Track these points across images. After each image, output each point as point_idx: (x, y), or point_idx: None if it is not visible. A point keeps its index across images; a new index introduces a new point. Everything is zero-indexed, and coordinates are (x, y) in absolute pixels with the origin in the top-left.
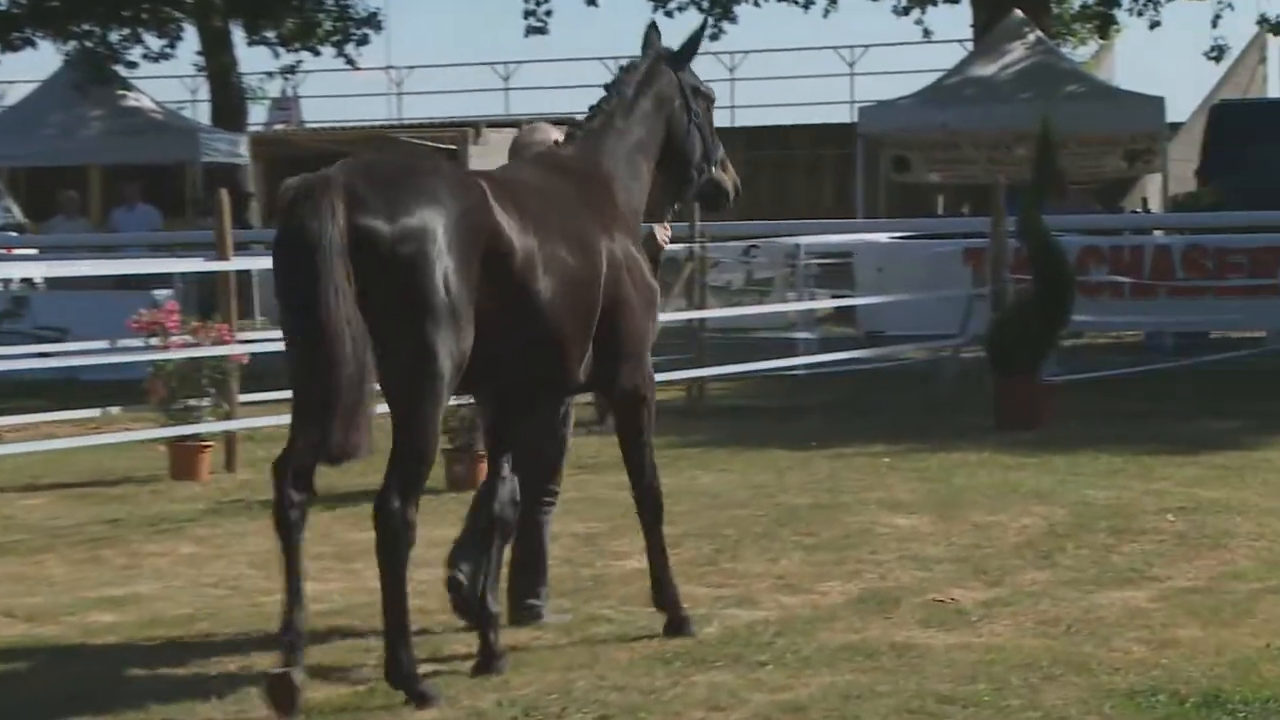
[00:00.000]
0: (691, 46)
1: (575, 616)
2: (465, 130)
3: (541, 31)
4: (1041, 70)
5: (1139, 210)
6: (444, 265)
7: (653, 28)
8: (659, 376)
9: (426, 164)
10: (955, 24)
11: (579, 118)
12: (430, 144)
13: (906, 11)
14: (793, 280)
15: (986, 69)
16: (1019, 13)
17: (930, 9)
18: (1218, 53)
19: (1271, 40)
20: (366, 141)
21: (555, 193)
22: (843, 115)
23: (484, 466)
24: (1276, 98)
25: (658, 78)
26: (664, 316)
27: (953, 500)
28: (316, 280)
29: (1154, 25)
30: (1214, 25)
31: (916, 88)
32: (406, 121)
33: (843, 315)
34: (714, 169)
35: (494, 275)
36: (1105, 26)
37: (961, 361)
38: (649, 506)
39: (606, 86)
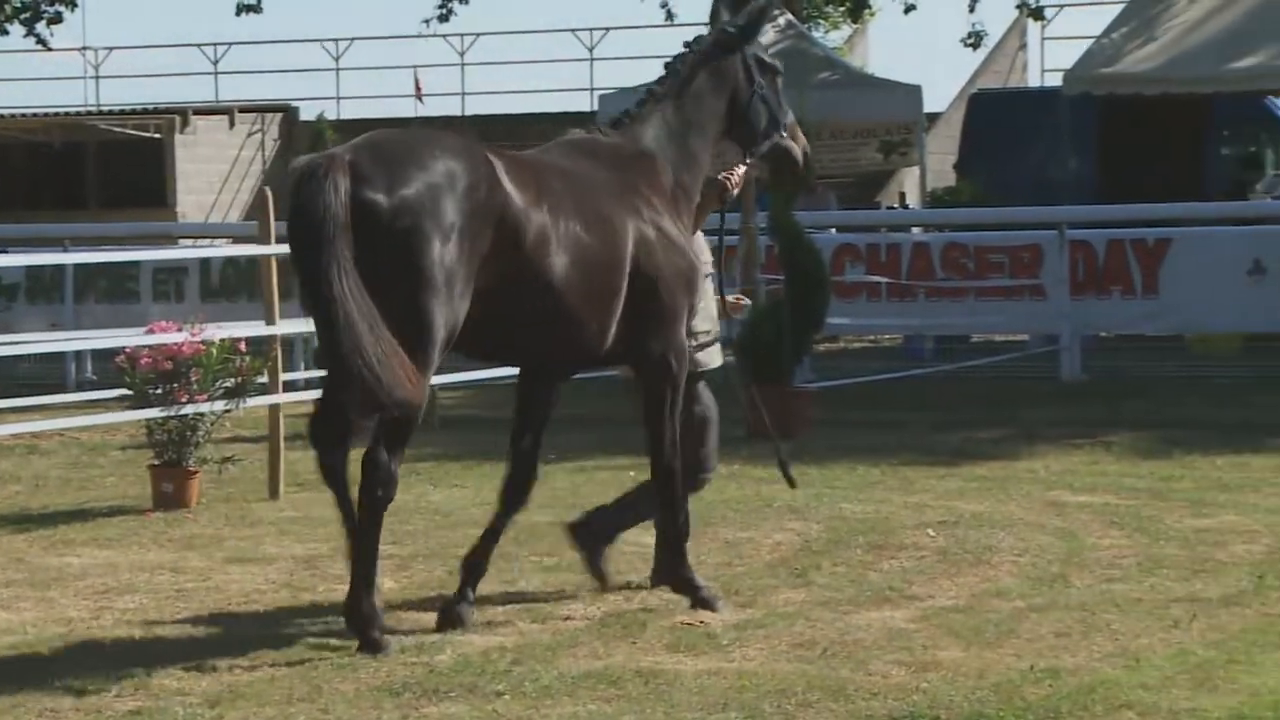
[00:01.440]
0: (754, 22)
1: (293, 646)
2: (171, 118)
3: (255, 10)
4: (792, 56)
5: (896, 205)
6: (440, 238)
7: (721, 3)
8: None
9: (438, 139)
10: (701, 6)
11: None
12: (132, 132)
13: None
14: None
15: None
16: None
17: None
18: (975, 39)
19: (1032, 25)
20: (61, 129)
21: (581, 174)
22: (582, 103)
23: (195, 484)
24: (1038, 86)
25: (715, 56)
26: None
27: (702, 515)
28: (319, 255)
29: (909, 9)
30: (971, 10)
31: (660, 73)
32: (105, 108)
33: None
34: (781, 136)
35: (504, 250)
36: (858, 10)
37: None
38: (664, 485)
39: (665, 66)
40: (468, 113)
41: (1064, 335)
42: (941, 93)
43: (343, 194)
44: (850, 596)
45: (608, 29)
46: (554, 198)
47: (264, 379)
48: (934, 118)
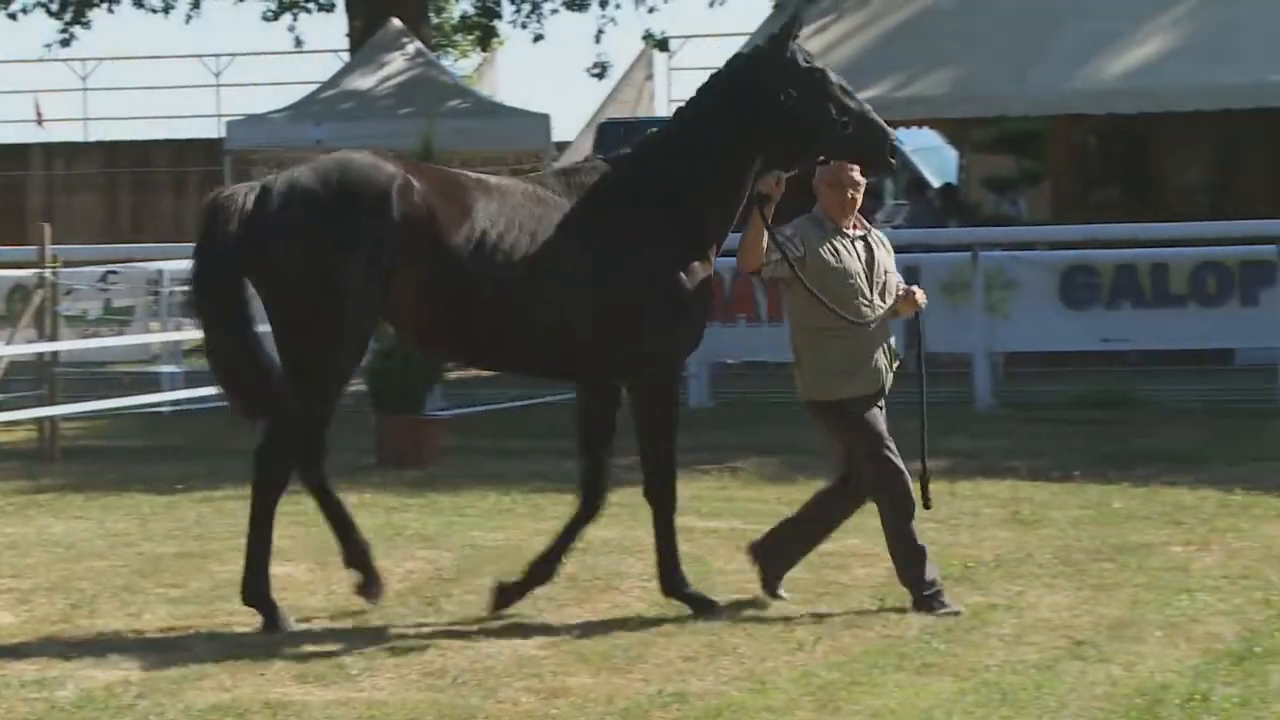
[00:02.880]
0: (781, 37)
1: None
2: None
3: None
4: (422, 84)
5: None
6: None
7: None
8: (4, 416)
9: (355, 169)
10: (330, 33)
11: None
12: None
13: (276, 17)
14: (155, 309)
15: (364, 82)
16: (397, 22)
17: (303, 16)
18: (601, 69)
19: (658, 57)
20: None
21: (534, 199)
22: (209, 129)
23: None
24: (662, 117)
25: (730, 82)
26: (9, 350)
27: (333, 546)
28: (208, 286)
29: (537, 38)
30: (597, 41)
31: (289, 100)
32: None
33: None
34: (848, 129)
35: (424, 273)
36: (487, 38)
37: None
38: (656, 497)
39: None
40: (91, 139)
41: (692, 363)
42: (571, 122)
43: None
44: (481, 624)
45: (234, 55)
46: (486, 220)
47: None
48: (563, 146)
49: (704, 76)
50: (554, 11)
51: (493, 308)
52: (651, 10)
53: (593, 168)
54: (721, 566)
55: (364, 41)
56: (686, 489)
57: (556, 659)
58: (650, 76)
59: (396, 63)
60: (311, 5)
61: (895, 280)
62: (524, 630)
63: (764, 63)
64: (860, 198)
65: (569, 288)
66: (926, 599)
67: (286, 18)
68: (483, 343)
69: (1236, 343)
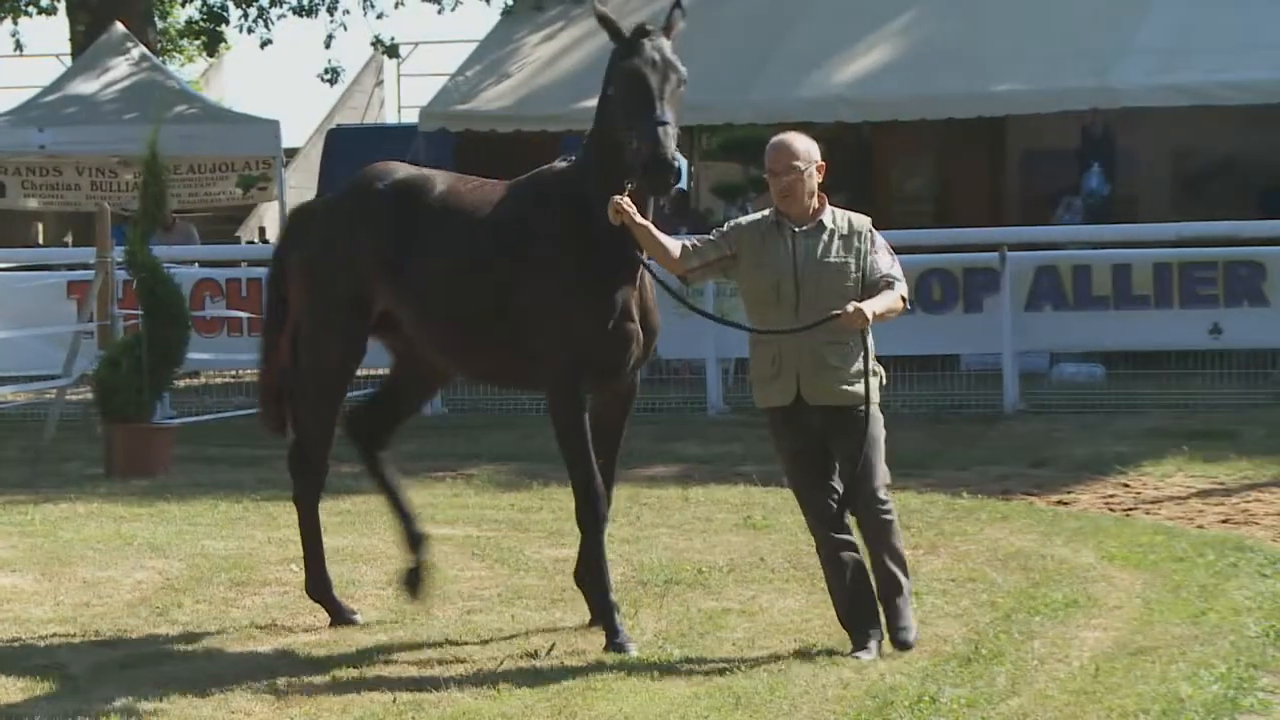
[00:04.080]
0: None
1: None
2: None
3: None
4: (147, 89)
5: (256, 240)
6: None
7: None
8: None
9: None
10: (53, 37)
11: None
12: None
13: None
14: None
15: (88, 86)
16: (120, 26)
17: (24, 19)
18: (333, 75)
19: (387, 63)
20: None
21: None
22: None
23: None
24: (392, 123)
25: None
26: None
27: (60, 556)
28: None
29: (265, 44)
30: (327, 46)
31: (10, 105)
32: None
33: None
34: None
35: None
36: (214, 43)
37: (67, 403)
38: (580, 512)
39: None
40: None
41: None
42: (301, 128)
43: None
44: (213, 633)
45: None
46: (439, 233)
47: None
48: (293, 152)
49: (434, 84)
50: (281, 17)
51: None
52: (380, 16)
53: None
54: (457, 574)
55: (87, 46)
56: (420, 496)
57: (291, 666)
58: (380, 82)
59: (121, 68)
60: (31, 9)
61: (850, 275)
62: (257, 639)
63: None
64: (803, 182)
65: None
66: None
67: (6, 21)
68: None
69: (961, 349)
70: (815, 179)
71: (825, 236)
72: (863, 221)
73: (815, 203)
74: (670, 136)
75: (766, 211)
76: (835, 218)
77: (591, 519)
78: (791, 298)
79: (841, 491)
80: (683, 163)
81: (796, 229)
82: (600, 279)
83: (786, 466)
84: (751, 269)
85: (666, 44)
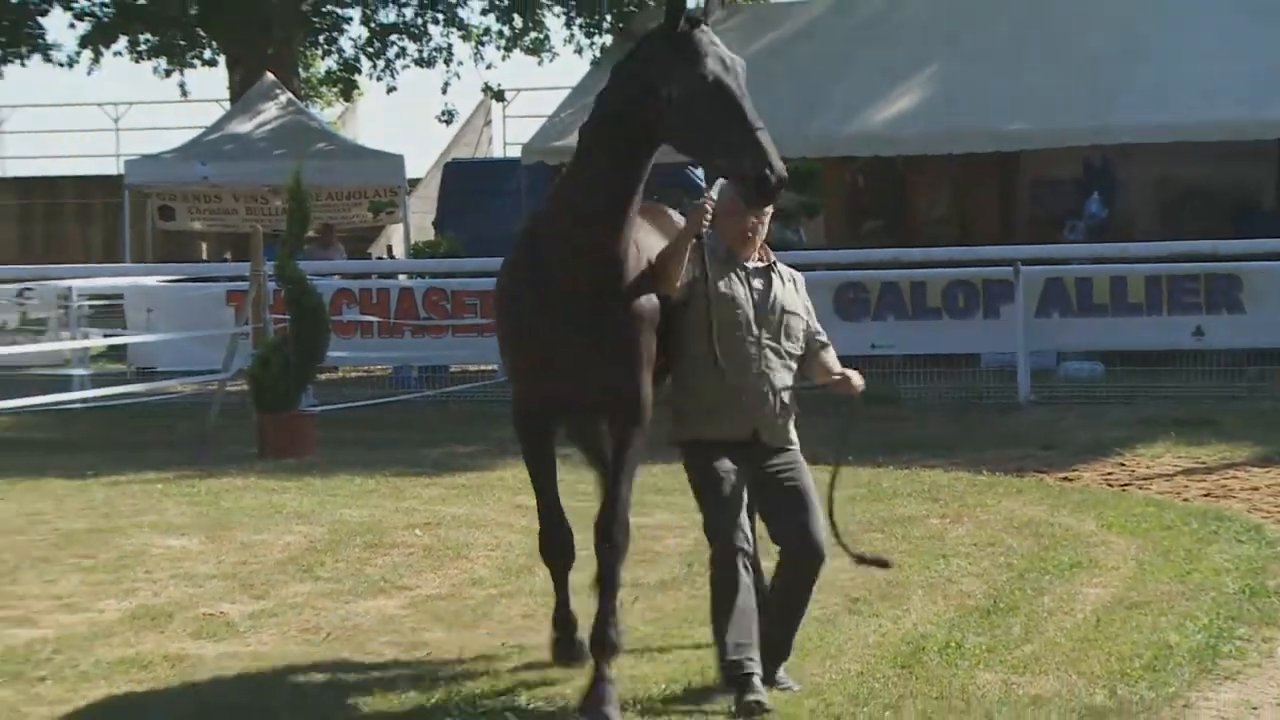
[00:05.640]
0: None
1: None
2: None
3: None
4: (293, 129)
5: (384, 256)
6: None
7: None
8: None
9: None
10: (213, 84)
11: None
12: None
13: (169, 74)
14: (66, 320)
15: (243, 127)
16: (270, 76)
17: (190, 70)
18: (448, 116)
19: (495, 106)
20: None
21: None
22: (109, 167)
23: None
24: (499, 158)
25: (616, 76)
26: None
27: (221, 522)
28: None
29: (391, 90)
30: (444, 92)
31: (179, 143)
32: None
33: (116, 353)
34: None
35: None
36: (348, 90)
37: (227, 394)
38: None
39: None
40: (8, 175)
41: None
42: (421, 161)
43: None
44: (350, 588)
45: (131, 103)
46: None
47: None
48: (415, 182)
49: (534, 123)
50: (405, 67)
51: None
52: (489, 66)
53: None
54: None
55: (242, 92)
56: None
57: (415, 618)
58: (489, 122)
59: (271, 111)
60: (196, 61)
61: (802, 324)
62: (387, 593)
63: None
64: (764, 226)
65: None
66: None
67: (175, 74)
68: None
69: (981, 348)
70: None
71: (776, 279)
72: (797, 273)
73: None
74: (771, 142)
75: (703, 240)
76: (777, 263)
77: (543, 550)
78: (749, 334)
79: (811, 524)
80: None
81: (754, 268)
82: (540, 319)
83: (717, 488)
84: (722, 299)
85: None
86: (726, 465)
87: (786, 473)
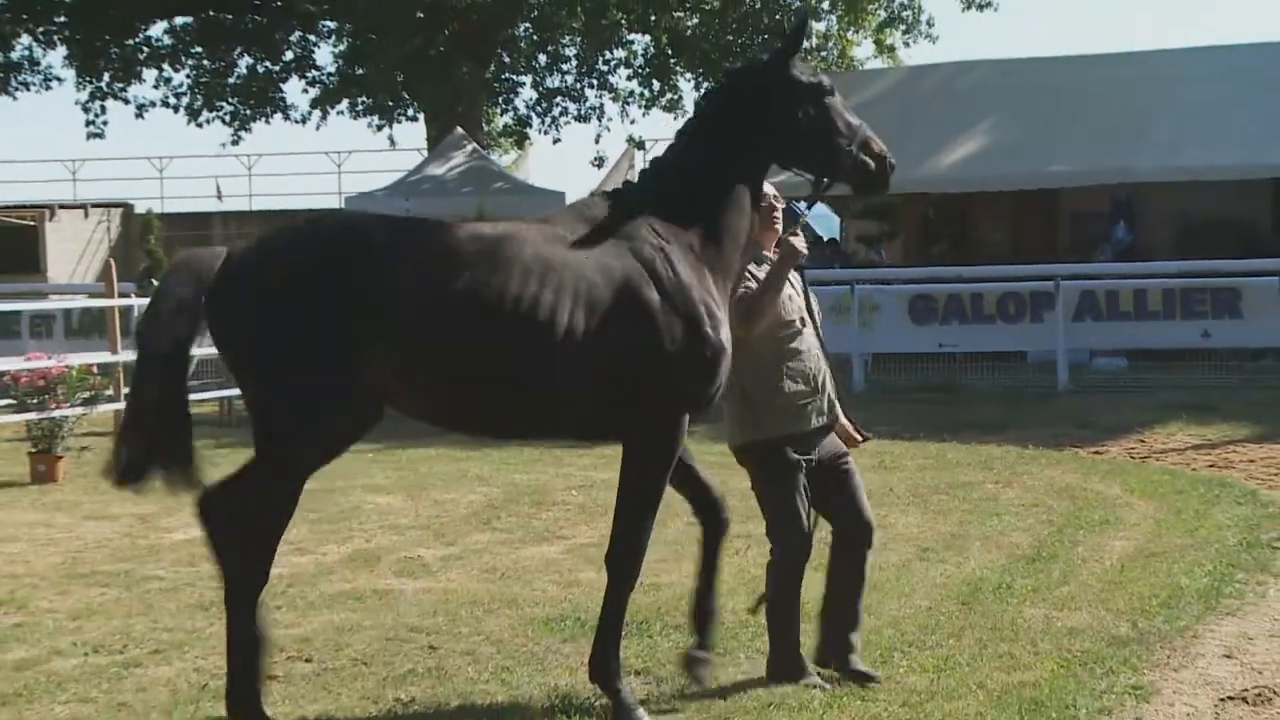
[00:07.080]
0: (785, 49)
1: (133, 577)
2: (42, 210)
3: (100, 136)
4: (477, 172)
5: None
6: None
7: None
8: (196, 396)
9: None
10: (414, 136)
11: None
12: (14, 220)
13: (380, 129)
14: None
15: (438, 170)
16: (460, 129)
17: (396, 126)
18: (599, 161)
19: (638, 153)
20: None
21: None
22: (334, 203)
23: (61, 466)
24: None
25: (728, 102)
26: (201, 351)
27: (419, 483)
28: None
29: (556, 141)
30: (597, 141)
31: (387, 183)
32: None
33: None
34: (855, 152)
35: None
36: (521, 140)
37: None
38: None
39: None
40: (255, 209)
41: None
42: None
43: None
44: (520, 537)
45: (351, 151)
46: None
47: (110, 392)
48: None
49: None
50: (566, 123)
51: None
52: (633, 121)
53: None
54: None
55: (438, 143)
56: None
57: (571, 562)
58: (633, 166)
59: (459, 157)
60: (401, 118)
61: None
62: (549, 541)
63: (780, 74)
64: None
65: None
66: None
67: (385, 128)
68: None
69: (1028, 347)
70: None
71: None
72: None
73: None
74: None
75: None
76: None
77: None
78: (806, 323)
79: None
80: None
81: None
82: None
83: (793, 496)
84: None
85: None
86: (800, 474)
87: (842, 456)
